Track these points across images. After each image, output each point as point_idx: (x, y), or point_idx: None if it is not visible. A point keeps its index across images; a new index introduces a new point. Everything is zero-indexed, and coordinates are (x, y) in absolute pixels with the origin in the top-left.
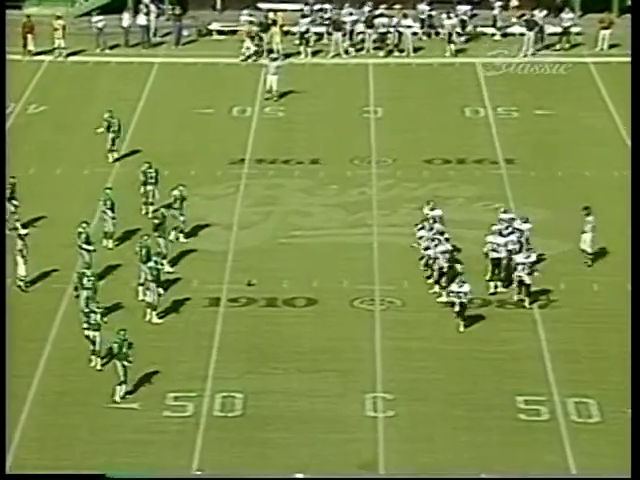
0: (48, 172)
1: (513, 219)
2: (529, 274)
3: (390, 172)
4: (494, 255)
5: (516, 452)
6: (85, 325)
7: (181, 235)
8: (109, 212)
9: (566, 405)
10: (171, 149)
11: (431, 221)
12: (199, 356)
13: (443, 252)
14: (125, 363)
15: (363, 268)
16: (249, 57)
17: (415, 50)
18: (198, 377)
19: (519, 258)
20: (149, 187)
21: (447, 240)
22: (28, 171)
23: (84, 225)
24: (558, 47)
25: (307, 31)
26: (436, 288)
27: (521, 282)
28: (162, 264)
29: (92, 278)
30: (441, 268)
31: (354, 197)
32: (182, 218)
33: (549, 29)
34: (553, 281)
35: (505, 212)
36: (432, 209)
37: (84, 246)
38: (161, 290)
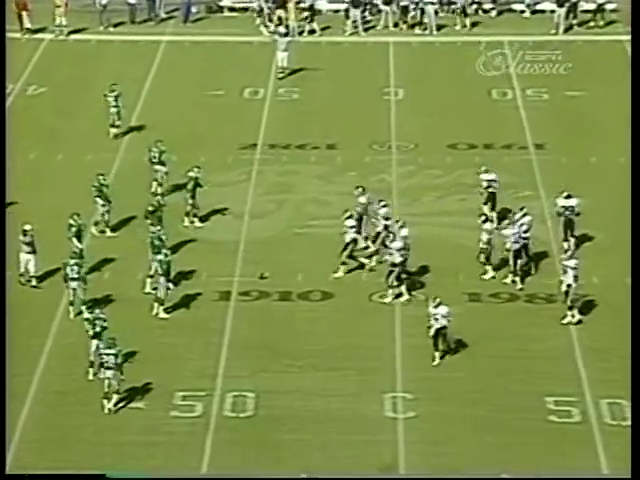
0: (49, 158)
1: (494, 180)
2: (575, 278)
3: (411, 158)
4: (516, 247)
5: (545, 455)
6: (91, 332)
7: (196, 219)
8: (99, 200)
9: (599, 406)
10: (179, 133)
11: (359, 209)
12: (208, 353)
13: (399, 249)
14: (119, 375)
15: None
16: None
17: (438, 28)
18: (207, 375)
19: (565, 260)
20: (155, 166)
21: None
22: (27, 157)
23: (75, 217)
24: (592, 24)
25: (311, 7)
26: (389, 293)
27: (568, 291)
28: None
29: (75, 267)
30: (393, 265)
31: (373, 184)
32: (191, 201)
33: (582, 6)
34: (585, 274)
35: (487, 172)
36: (362, 194)
37: (74, 240)
38: (171, 285)
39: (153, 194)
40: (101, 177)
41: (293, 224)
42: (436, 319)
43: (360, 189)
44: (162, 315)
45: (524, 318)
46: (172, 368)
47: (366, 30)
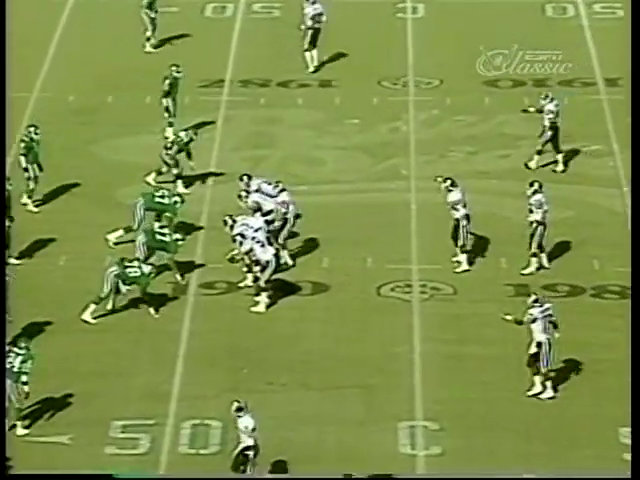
0: None
1: (321, 14)
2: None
3: (436, 99)
4: (460, 214)
5: None
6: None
7: (179, 183)
8: (24, 159)
9: None
10: (116, 67)
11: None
12: (158, 366)
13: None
14: None
15: (396, 239)
16: None
17: None
18: (157, 396)
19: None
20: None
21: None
22: None
23: (30, 129)
24: None
25: None
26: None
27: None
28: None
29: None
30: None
31: (383, 136)
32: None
33: None
34: None
35: (313, 3)
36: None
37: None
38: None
39: (165, 147)
40: (32, 129)
41: None
42: (243, 432)
43: (246, 178)
44: (87, 318)
45: (590, 318)
46: (109, 387)
47: None
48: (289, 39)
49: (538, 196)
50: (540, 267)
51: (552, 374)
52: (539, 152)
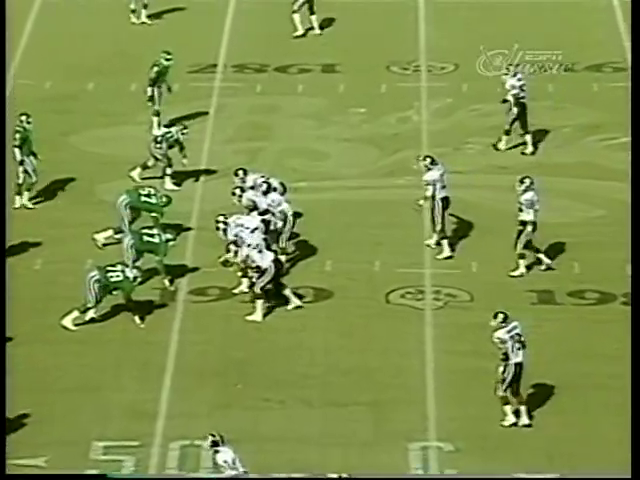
0: None
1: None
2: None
3: (450, 85)
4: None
5: None
6: None
7: (168, 179)
8: (18, 152)
9: None
10: (97, 50)
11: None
12: (144, 381)
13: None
14: None
15: (406, 240)
16: None
17: None
18: (143, 414)
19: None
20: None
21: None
22: None
23: (22, 118)
24: None
25: None
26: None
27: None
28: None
29: None
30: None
31: (392, 127)
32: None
33: None
34: None
35: None
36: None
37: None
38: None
39: (154, 140)
40: (24, 117)
41: None
42: (224, 467)
43: (241, 172)
44: (67, 324)
45: (621, 328)
46: (89, 403)
47: None
48: (288, 20)
49: (529, 194)
50: (535, 267)
51: (509, 398)
52: (507, 132)
